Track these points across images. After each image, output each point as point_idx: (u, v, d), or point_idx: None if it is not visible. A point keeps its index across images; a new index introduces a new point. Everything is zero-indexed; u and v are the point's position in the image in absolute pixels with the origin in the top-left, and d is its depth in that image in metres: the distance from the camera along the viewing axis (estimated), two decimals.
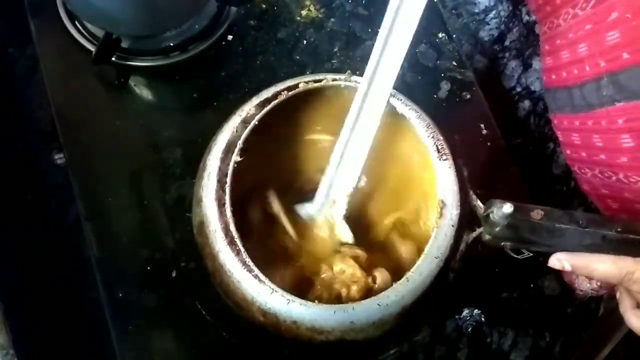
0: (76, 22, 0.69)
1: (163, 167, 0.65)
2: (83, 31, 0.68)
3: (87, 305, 0.71)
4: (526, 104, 0.82)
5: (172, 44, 0.69)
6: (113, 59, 0.67)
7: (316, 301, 0.49)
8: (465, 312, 0.66)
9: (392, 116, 0.57)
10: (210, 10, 0.71)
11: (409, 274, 0.50)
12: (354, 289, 0.54)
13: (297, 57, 0.71)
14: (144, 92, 0.68)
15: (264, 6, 0.73)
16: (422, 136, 0.55)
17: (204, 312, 0.60)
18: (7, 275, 0.65)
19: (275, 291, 0.49)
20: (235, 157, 0.53)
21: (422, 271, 0.50)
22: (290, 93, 0.56)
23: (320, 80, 0.57)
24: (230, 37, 0.71)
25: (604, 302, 0.68)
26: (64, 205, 0.74)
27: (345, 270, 0.55)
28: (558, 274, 0.67)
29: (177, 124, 0.66)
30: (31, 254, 0.72)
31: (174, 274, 0.61)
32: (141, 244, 0.62)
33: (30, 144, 0.76)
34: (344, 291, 0.55)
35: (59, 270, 0.72)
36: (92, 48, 0.67)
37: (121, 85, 0.68)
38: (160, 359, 0.59)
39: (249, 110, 0.56)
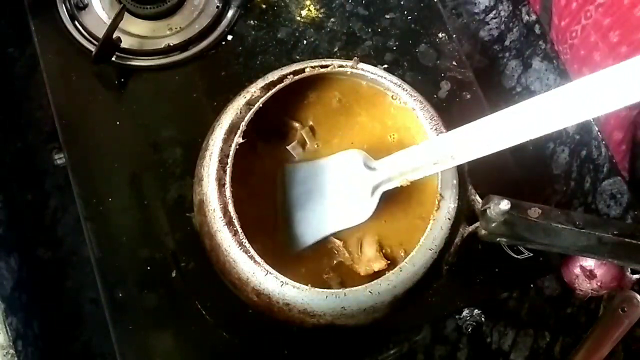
0: (76, 22, 0.69)
1: (163, 167, 0.65)
2: (83, 31, 0.68)
3: (87, 305, 0.71)
4: None
5: (172, 44, 0.69)
6: (113, 59, 0.67)
7: (309, 285, 0.49)
8: (465, 312, 0.66)
9: (396, 107, 0.58)
10: (210, 10, 0.71)
11: (402, 264, 0.51)
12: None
13: (297, 57, 0.71)
14: (144, 92, 0.68)
15: (264, 6, 0.73)
16: (425, 127, 0.56)
17: (204, 312, 0.60)
18: (7, 275, 0.65)
19: (270, 273, 0.50)
20: (238, 139, 0.53)
21: (415, 262, 0.51)
22: (296, 77, 0.56)
23: (327, 66, 0.57)
24: (230, 37, 0.71)
25: (604, 302, 0.68)
26: (64, 205, 0.74)
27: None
28: (558, 274, 0.67)
29: (177, 124, 0.66)
30: (31, 254, 0.72)
31: (174, 274, 0.61)
32: (141, 244, 0.62)
33: (30, 144, 0.75)
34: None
35: (59, 270, 0.72)
36: (92, 48, 0.67)
37: (121, 85, 0.68)
38: (160, 359, 0.59)
39: (253, 92, 0.56)
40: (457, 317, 0.66)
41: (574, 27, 0.64)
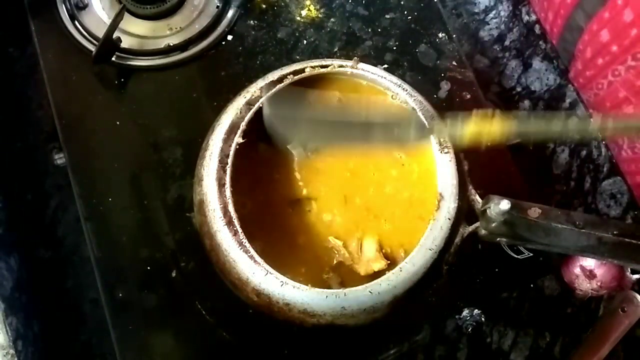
0: (76, 22, 0.69)
1: (163, 167, 0.65)
2: (83, 31, 0.68)
3: (87, 305, 0.71)
4: (526, 104, 0.82)
5: (172, 44, 0.69)
6: (113, 59, 0.67)
7: (309, 285, 0.49)
8: (465, 312, 0.66)
9: (396, 107, 0.58)
10: (210, 10, 0.71)
11: (402, 264, 0.51)
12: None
13: (297, 57, 0.71)
14: (144, 92, 0.68)
15: (264, 6, 0.73)
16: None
17: (203, 312, 0.60)
18: (7, 275, 0.65)
19: (270, 273, 0.50)
20: (238, 139, 0.53)
21: (415, 262, 0.51)
22: (295, 77, 0.56)
23: (327, 66, 0.58)
24: (230, 37, 0.71)
25: (604, 302, 0.68)
26: (64, 205, 0.74)
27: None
28: (558, 274, 0.67)
29: (177, 124, 0.66)
30: (31, 254, 0.72)
31: (174, 274, 0.61)
32: (141, 244, 0.62)
33: (30, 144, 0.76)
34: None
35: (59, 270, 0.72)
36: (92, 48, 0.67)
37: (121, 85, 0.68)
38: (160, 359, 0.59)
39: (253, 92, 0.57)
40: (457, 317, 0.66)
41: (600, 80, 0.66)
